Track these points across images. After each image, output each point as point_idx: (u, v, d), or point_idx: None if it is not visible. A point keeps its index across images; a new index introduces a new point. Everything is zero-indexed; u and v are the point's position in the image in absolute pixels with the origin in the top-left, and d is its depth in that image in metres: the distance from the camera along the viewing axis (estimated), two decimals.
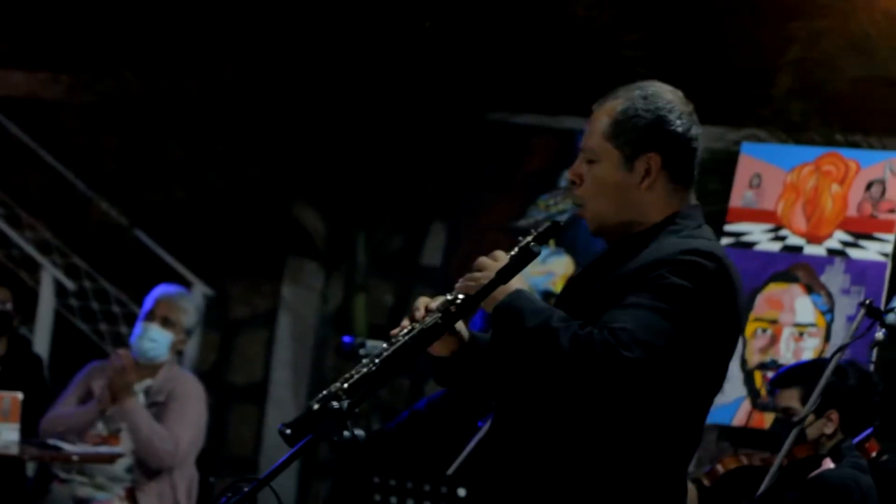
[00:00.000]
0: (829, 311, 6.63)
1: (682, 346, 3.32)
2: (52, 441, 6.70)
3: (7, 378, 7.22)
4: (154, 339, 6.92)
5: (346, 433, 3.23)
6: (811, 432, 5.25)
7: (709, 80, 8.82)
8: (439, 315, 3.40)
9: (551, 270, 8.51)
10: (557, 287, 8.21)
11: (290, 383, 9.80)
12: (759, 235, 6.84)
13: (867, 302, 4.67)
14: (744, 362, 6.72)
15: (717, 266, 3.39)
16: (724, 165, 7.67)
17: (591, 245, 6.95)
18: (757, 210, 6.87)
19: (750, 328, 6.75)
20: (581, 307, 3.39)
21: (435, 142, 9.26)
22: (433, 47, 8.96)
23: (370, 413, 8.98)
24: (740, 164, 6.98)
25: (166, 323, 6.95)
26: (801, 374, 5.48)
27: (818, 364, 5.66)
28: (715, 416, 6.74)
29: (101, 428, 6.88)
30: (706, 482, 5.62)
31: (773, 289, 6.75)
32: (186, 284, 9.14)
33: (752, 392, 6.58)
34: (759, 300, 6.75)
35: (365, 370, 3.36)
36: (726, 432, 6.94)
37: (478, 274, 3.42)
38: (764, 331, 6.67)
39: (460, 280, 3.45)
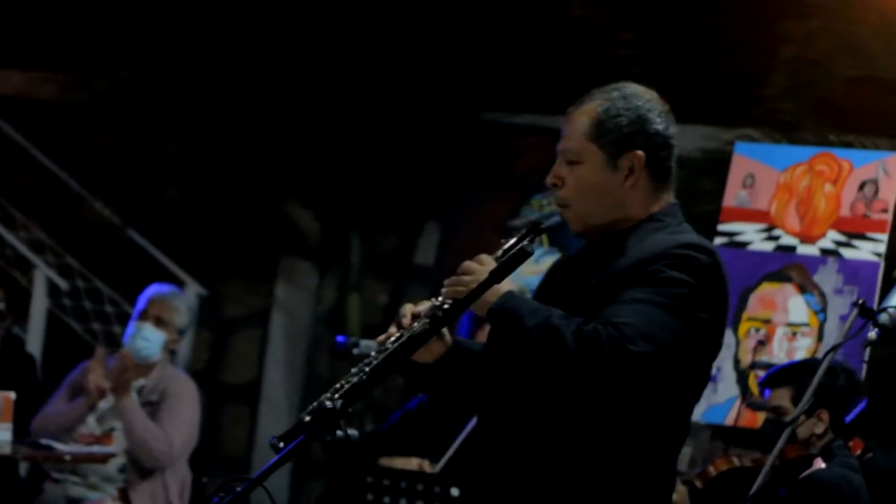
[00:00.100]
0: (822, 311, 6.64)
1: (683, 339, 3.36)
2: (44, 441, 6.69)
3: None
4: (147, 339, 6.92)
5: (338, 433, 3.23)
6: (802, 432, 5.27)
7: (702, 79, 8.83)
8: (427, 321, 3.41)
9: (544, 270, 8.52)
10: None
11: (283, 383, 9.80)
12: (752, 235, 6.84)
13: (860, 302, 4.67)
14: (736, 362, 6.73)
15: (712, 260, 3.43)
16: (718, 165, 7.68)
17: None
18: (750, 210, 6.88)
19: (743, 328, 6.76)
20: (573, 304, 3.40)
21: (429, 141, 9.26)
22: (427, 47, 8.96)
23: (364, 413, 8.98)
24: (734, 163, 6.98)
25: (159, 322, 6.95)
26: (792, 374, 5.49)
27: (809, 364, 5.68)
28: (708, 416, 6.76)
29: (93, 427, 6.87)
30: (698, 484, 5.62)
31: (767, 288, 6.76)
32: (180, 284, 9.13)
33: (745, 392, 6.58)
34: (753, 300, 6.75)
35: (355, 379, 3.36)
36: (719, 432, 6.95)
37: (466, 278, 3.42)
38: (757, 330, 6.67)
39: (446, 285, 3.45)
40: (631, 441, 3.40)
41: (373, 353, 3.42)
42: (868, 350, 4.51)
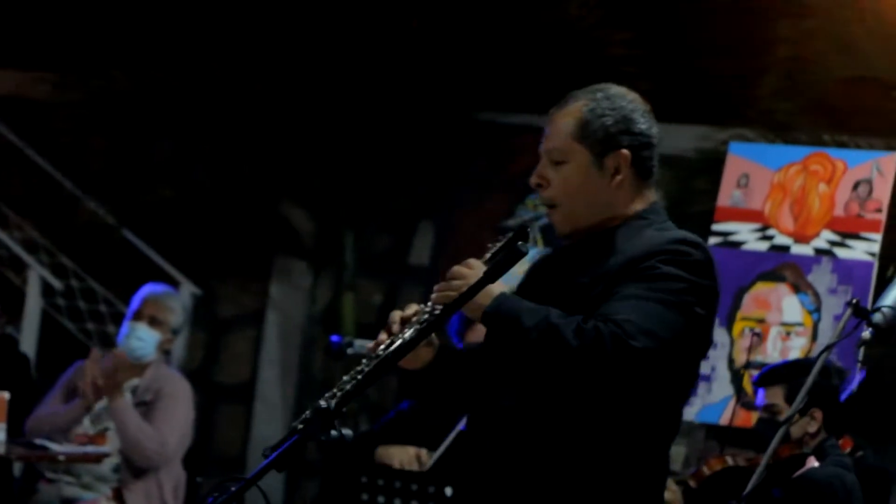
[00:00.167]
0: (816, 311, 6.64)
1: (682, 334, 3.38)
2: (38, 441, 6.69)
3: None
4: (141, 339, 6.91)
5: (333, 433, 3.23)
6: (795, 431, 5.28)
7: (697, 79, 8.84)
8: (418, 326, 3.42)
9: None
10: None
11: (277, 383, 9.79)
12: (746, 235, 6.85)
13: (854, 301, 4.67)
14: (731, 362, 6.73)
15: (704, 254, 3.45)
16: (712, 165, 7.69)
17: None
18: (744, 210, 6.88)
19: (737, 327, 6.76)
20: (564, 302, 3.41)
21: (423, 141, 9.26)
22: (421, 46, 8.96)
23: (358, 413, 8.98)
24: (728, 163, 6.99)
25: (153, 322, 6.94)
26: (785, 373, 5.51)
27: (801, 363, 5.70)
28: (703, 416, 6.76)
29: (87, 427, 6.87)
30: (692, 483, 5.63)
31: (761, 288, 6.76)
32: (174, 283, 9.13)
33: (740, 391, 6.58)
34: (747, 299, 6.76)
35: (347, 387, 3.37)
36: (714, 431, 6.95)
37: (455, 282, 3.43)
38: (751, 330, 6.68)
39: (435, 290, 3.46)
40: (627, 436, 3.42)
41: (364, 362, 3.43)
42: (862, 350, 4.52)
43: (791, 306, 6.70)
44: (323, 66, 9.04)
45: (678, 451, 7.71)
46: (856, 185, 6.70)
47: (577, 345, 3.30)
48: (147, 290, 7.11)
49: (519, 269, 3.51)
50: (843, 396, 5.42)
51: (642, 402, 3.41)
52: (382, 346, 3.44)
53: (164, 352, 7.22)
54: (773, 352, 6.63)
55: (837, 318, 6.36)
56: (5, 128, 9.91)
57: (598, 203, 3.51)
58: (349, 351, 6.33)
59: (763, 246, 6.81)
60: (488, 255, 3.47)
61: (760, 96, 8.48)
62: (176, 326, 7.07)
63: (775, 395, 5.47)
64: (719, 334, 6.75)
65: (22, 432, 6.82)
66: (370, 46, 8.96)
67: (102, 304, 9.60)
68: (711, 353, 6.69)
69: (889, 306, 3.81)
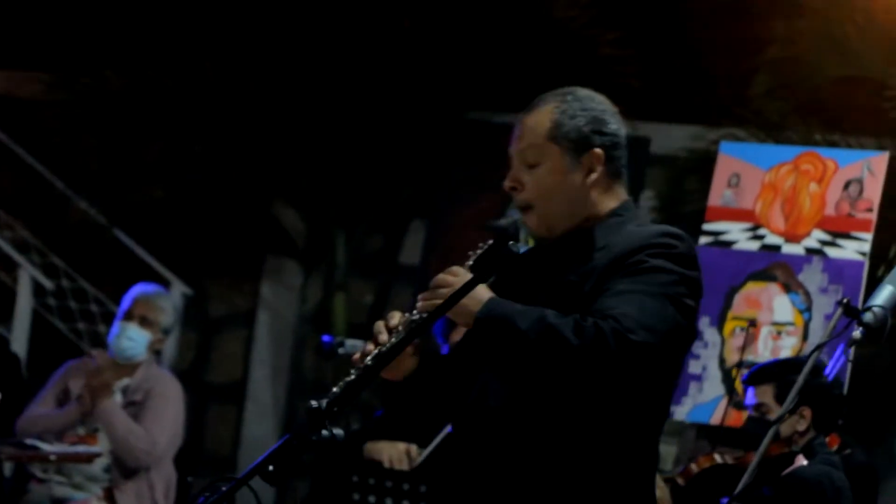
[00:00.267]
0: (806, 310, 6.65)
1: (677, 325, 3.40)
2: (29, 441, 6.68)
3: None
4: (132, 339, 6.91)
5: (324, 432, 3.23)
6: (784, 429, 5.28)
7: (687, 79, 8.85)
8: (402, 333, 3.42)
9: None
10: None
11: (269, 382, 9.79)
12: (737, 234, 6.85)
13: (845, 301, 4.68)
14: (722, 361, 6.74)
15: (688, 246, 3.49)
16: (703, 164, 7.69)
17: None
18: (735, 209, 6.88)
19: (728, 327, 6.77)
20: (553, 300, 3.42)
21: (414, 141, 9.26)
22: (412, 46, 8.96)
23: (350, 412, 8.97)
24: (719, 163, 6.99)
25: (144, 322, 6.94)
26: (775, 371, 5.52)
27: (790, 361, 5.71)
28: (694, 415, 6.76)
29: (78, 427, 6.86)
30: (680, 481, 5.63)
31: (752, 287, 6.76)
32: (165, 283, 9.12)
33: (731, 391, 6.59)
34: (738, 299, 6.76)
35: (339, 398, 3.36)
36: (705, 431, 6.95)
37: (441, 291, 3.44)
38: (742, 329, 6.68)
39: (419, 299, 3.47)
40: (619, 430, 3.43)
41: (352, 371, 3.43)
42: (853, 349, 4.52)
43: (782, 306, 6.70)
44: (314, 66, 9.03)
45: (669, 451, 7.71)
46: (847, 185, 6.71)
47: (578, 343, 3.31)
48: (138, 289, 7.11)
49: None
50: (830, 371, 5.41)
51: (635, 395, 3.42)
52: (370, 358, 3.44)
53: (155, 352, 7.22)
54: (764, 351, 6.63)
55: (828, 317, 6.37)
56: None
57: (574, 203, 3.53)
58: (340, 351, 6.33)
59: (754, 245, 6.82)
60: (471, 262, 3.48)
61: (751, 96, 8.49)
62: (167, 326, 7.07)
63: (764, 394, 5.48)
64: (710, 334, 6.75)
65: (13, 432, 6.81)
66: (361, 46, 8.95)
67: (93, 304, 9.59)
68: (702, 352, 6.76)
69: (879, 306, 3.81)
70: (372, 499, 5.67)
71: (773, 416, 5.29)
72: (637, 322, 3.31)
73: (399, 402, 3.68)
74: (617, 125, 3.58)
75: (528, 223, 3.57)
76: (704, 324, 6.73)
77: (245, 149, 9.27)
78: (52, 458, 6.68)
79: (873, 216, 6.62)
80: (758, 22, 8.48)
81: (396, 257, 9.71)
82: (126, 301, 7.03)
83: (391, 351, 3.41)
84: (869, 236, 6.61)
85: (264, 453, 3.28)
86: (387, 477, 5.70)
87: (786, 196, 6.81)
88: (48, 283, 9.50)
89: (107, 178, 9.66)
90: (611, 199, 3.56)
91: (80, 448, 6.75)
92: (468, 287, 3.39)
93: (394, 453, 6.17)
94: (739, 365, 6.47)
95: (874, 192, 6.65)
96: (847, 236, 6.65)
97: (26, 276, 9.45)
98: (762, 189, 6.86)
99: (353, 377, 3.39)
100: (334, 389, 3.36)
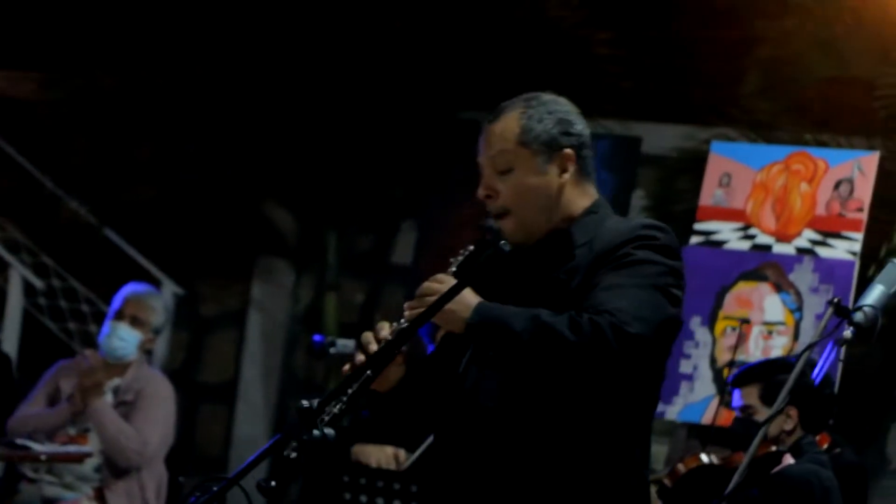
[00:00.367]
0: (797, 310, 6.66)
1: (668, 315, 3.43)
2: (20, 440, 6.67)
3: None
4: (123, 338, 6.90)
5: (315, 432, 3.23)
6: (771, 429, 5.28)
7: (679, 79, 8.85)
8: (390, 339, 3.43)
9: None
10: None
11: (260, 382, 9.78)
12: (728, 234, 6.86)
13: (835, 300, 4.69)
14: (713, 361, 6.74)
15: (671, 237, 3.52)
16: (694, 164, 7.70)
17: None
18: (726, 209, 6.89)
19: (719, 326, 6.77)
20: (544, 299, 3.42)
21: (406, 141, 9.26)
22: (404, 46, 8.96)
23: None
24: (710, 163, 7.00)
25: (135, 322, 6.93)
26: (759, 372, 5.52)
27: (776, 361, 5.71)
28: (684, 415, 6.77)
29: (69, 427, 6.86)
30: (667, 482, 5.63)
31: (743, 287, 6.77)
32: (156, 283, 9.12)
33: (722, 391, 6.59)
34: (729, 299, 6.77)
35: (335, 410, 3.35)
36: (696, 430, 6.96)
37: (426, 299, 3.44)
38: (733, 329, 6.69)
39: (406, 308, 3.47)
40: (613, 424, 3.44)
41: (343, 381, 3.42)
42: (843, 348, 4.53)
43: (773, 305, 6.71)
44: (306, 66, 9.03)
45: (660, 451, 7.72)
46: (837, 185, 6.72)
47: (575, 339, 3.32)
48: (129, 289, 7.10)
49: None
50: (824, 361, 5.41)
51: (629, 387, 3.44)
52: (356, 384, 3.44)
53: (146, 351, 7.21)
54: (755, 351, 6.64)
55: (819, 317, 6.37)
56: None
57: (550, 204, 3.55)
58: (331, 350, 6.33)
59: (745, 245, 6.82)
60: (454, 269, 3.49)
61: (742, 96, 8.50)
62: (158, 326, 7.06)
63: (750, 395, 5.48)
64: (701, 333, 6.76)
65: (3, 432, 6.80)
66: (353, 46, 8.95)
67: (84, 304, 9.58)
68: (693, 352, 6.76)
69: (870, 305, 3.82)
70: (363, 498, 5.66)
71: (759, 417, 5.30)
72: (632, 315, 3.33)
73: (387, 410, 3.67)
74: (582, 125, 3.61)
75: (504, 229, 3.56)
76: (695, 323, 6.74)
77: (236, 149, 9.27)
78: (43, 457, 6.68)
79: (864, 216, 6.63)
80: (748, 22, 8.49)
81: (388, 257, 9.71)
82: (117, 301, 7.02)
83: (384, 349, 3.41)
84: (859, 236, 6.62)
85: (255, 453, 3.28)
86: (378, 477, 5.69)
87: (777, 196, 6.82)
88: (39, 283, 9.49)
89: (98, 178, 9.66)
90: (583, 198, 3.58)
91: (71, 448, 6.74)
92: (453, 292, 3.39)
93: (382, 457, 6.17)
94: (730, 364, 6.48)
95: (865, 191, 6.66)
96: (838, 236, 6.65)
97: (17, 275, 9.44)
98: (753, 189, 6.87)
99: (354, 386, 3.38)
100: (328, 412, 3.35)
